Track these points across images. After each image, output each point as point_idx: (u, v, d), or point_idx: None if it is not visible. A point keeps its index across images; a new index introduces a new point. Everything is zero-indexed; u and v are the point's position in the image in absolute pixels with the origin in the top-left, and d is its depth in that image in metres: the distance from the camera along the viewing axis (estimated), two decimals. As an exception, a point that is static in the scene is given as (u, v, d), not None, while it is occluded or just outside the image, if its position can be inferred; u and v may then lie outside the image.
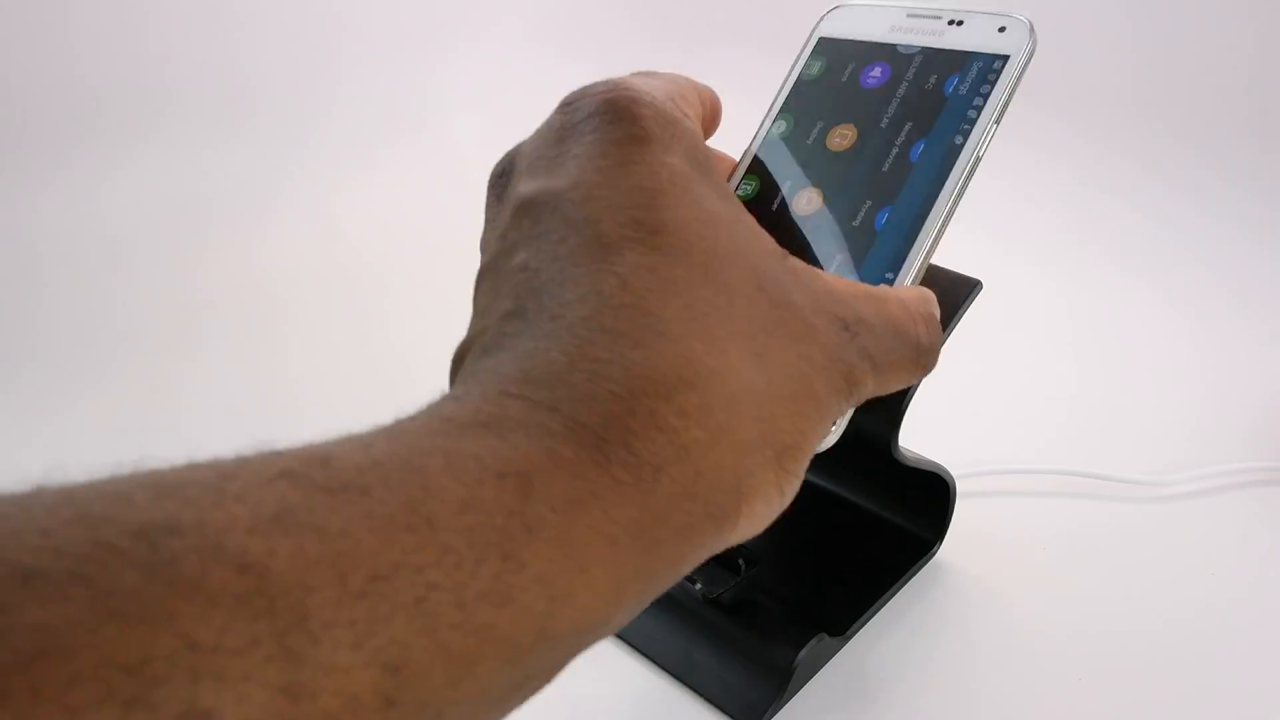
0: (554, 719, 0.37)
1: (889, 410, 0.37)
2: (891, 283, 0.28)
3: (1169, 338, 0.64)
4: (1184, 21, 0.87)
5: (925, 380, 0.34)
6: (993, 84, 0.30)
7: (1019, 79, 0.30)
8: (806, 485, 0.48)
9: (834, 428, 0.26)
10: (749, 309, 0.21)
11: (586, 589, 0.17)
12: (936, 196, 0.29)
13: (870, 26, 0.33)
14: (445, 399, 0.19)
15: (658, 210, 0.21)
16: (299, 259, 0.78)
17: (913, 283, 0.28)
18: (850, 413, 0.27)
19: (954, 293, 0.35)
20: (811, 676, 0.40)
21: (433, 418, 0.18)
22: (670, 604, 0.41)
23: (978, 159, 0.29)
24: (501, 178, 0.25)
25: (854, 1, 0.33)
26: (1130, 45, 0.90)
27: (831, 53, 0.33)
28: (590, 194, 0.21)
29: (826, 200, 0.30)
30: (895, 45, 0.32)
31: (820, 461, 0.33)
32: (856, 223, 0.30)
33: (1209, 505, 0.49)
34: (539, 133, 0.24)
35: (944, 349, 0.34)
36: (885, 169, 0.30)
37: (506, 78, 1.05)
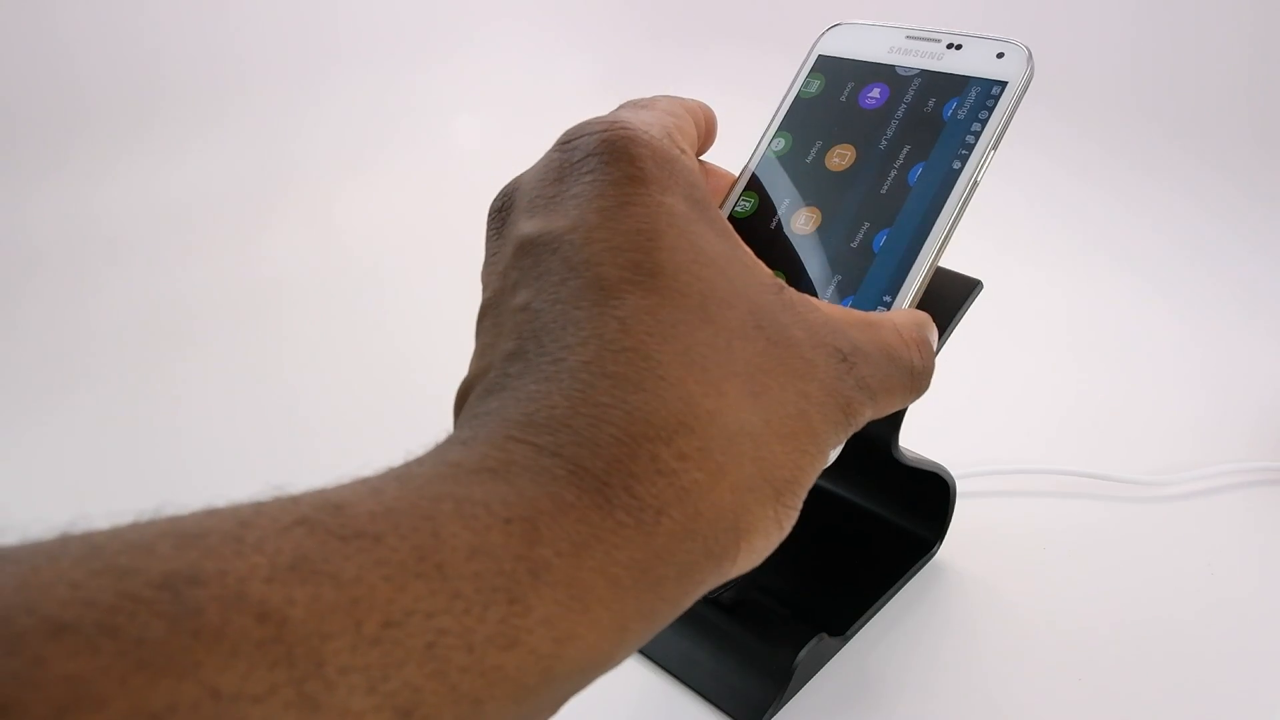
0: (553, 719, 0.37)
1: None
2: (890, 305, 0.29)
3: (1168, 337, 0.64)
4: (1184, 21, 0.87)
5: (925, 380, 0.34)
6: (990, 109, 0.30)
7: (1016, 105, 0.30)
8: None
9: (834, 449, 0.27)
10: (747, 349, 0.21)
11: (590, 629, 0.18)
12: (934, 220, 0.29)
13: (869, 47, 0.33)
14: (452, 443, 0.20)
15: (656, 252, 0.21)
16: (296, 260, 0.78)
17: (910, 305, 0.28)
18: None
19: (954, 293, 0.35)
20: (811, 676, 0.40)
21: (441, 463, 0.19)
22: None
23: (975, 184, 0.29)
24: (501, 212, 0.25)
25: (854, 20, 0.33)
26: (1131, 45, 0.90)
27: (830, 71, 0.33)
28: (590, 236, 0.22)
29: (824, 220, 0.31)
30: (894, 66, 0.32)
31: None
32: (855, 244, 0.30)
33: (1209, 505, 0.49)
34: (538, 169, 0.24)
35: (944, 349, 0.34)
36: (884, 191, 0.30)
37: (504, 77, 1.05)
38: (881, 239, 0.30)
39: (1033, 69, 0.30)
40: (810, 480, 0.22)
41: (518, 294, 0.22)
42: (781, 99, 0.33)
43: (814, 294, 0.30)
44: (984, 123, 0.30)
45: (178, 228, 0.82)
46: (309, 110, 0.98)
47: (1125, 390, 0.59)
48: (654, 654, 0.41)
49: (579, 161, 0.23)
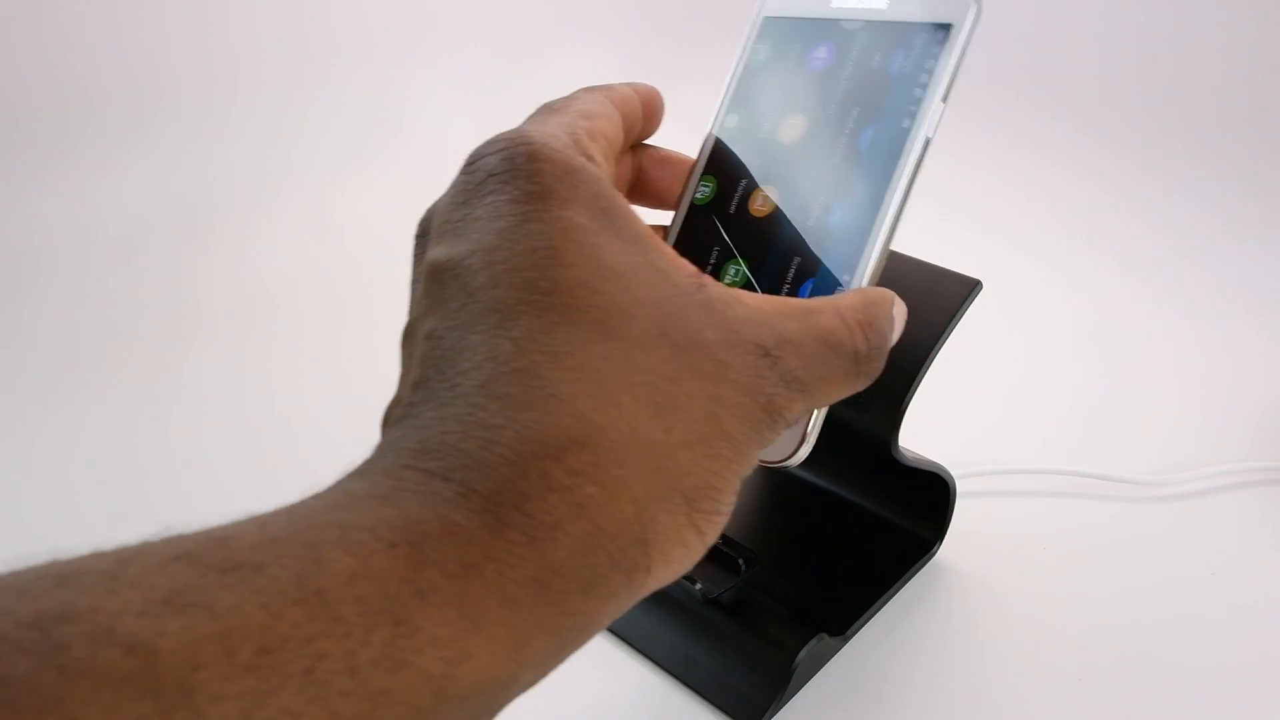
0: (553, 719, 0.38)
1: (889, 410, 0.37)
2: (847, 285, 0.27)
3: (1168, 337, 0.64)
4: (1185, 21, 0.87)
5: (926, 380, 0.34)
6: (937, 58, 0.28)
7: (965, 50, 0.28)
8: (807, 485, 0.49)
9: (804, 443, 0.26)
10: (649, 359, 0.21)
11: (485, 648, 0.18)
12: (886, 188, 0.28)
13: (813, 1, 0.31)
14: (350, 475, 0.20)
15: (552, 269, 0.21)
16: (294, 260, 0.78)
17: (870, 282, 0.27)
18: (820, 422, 0.26)
19: (954, 293, 0.35)
20: (811, 676, 0.40)
21: (334, 492, 0.19)
22: (670, 604, 0.41)
23: (927, 141, 0.28)
24: (421, 238, 0.25)
25: None
26: (1131, 45, 0.90)
27: (777, 34, 0.32)
28: (489, 259, 0.22)
29: (782, 199, 0.30)
30: (839, 21, 0.31)
31: (820, 461, 0.33)
32: (811, 221, 0.29)
33: (1208, 505, 0.49)
34: (448, 193, 0.24)
35: (944, 349, 0.34)
36: (836, 160, 0.29)
37: (504, 77, 1.05)
38: (837, 213, 0.28)
39: (980, 6, 0.28)
40: (730, 484, 0.22)
41: (425, 322, 0.22)
42: (731, 72, 0.32)
43: (777, 280, 0.29)
44: (931, 73, 0.28)
45: (175, 227, 0.82)
46: (307, 110, 0.98)
47: (1125, 390, 0.59)
48: (654, 654, 0.41)
49: (480, 183, 0.23)
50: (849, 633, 0.41)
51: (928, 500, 0.44)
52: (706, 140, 0.32)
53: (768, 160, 0.30)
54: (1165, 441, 0.54)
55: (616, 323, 0.21)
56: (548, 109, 0.26)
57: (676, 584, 0.38)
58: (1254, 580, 0.45)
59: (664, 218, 0.32)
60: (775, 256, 0.29)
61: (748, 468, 0.22)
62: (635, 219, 0.23)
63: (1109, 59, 0.91)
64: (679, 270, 0.23)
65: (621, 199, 0.23)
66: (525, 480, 0.19)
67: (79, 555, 0.16)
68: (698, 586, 0.40)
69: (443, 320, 0.22)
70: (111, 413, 0.59)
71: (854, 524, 0.45)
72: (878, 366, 0.25)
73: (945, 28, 0.28)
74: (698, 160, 0.32)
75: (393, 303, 0.75)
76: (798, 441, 0.26)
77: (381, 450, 0.20)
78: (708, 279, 0.23)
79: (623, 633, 0.41)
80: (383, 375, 0.65)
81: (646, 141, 0.32)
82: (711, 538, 0.22)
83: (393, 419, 0.22)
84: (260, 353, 0.65)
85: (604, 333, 0.21)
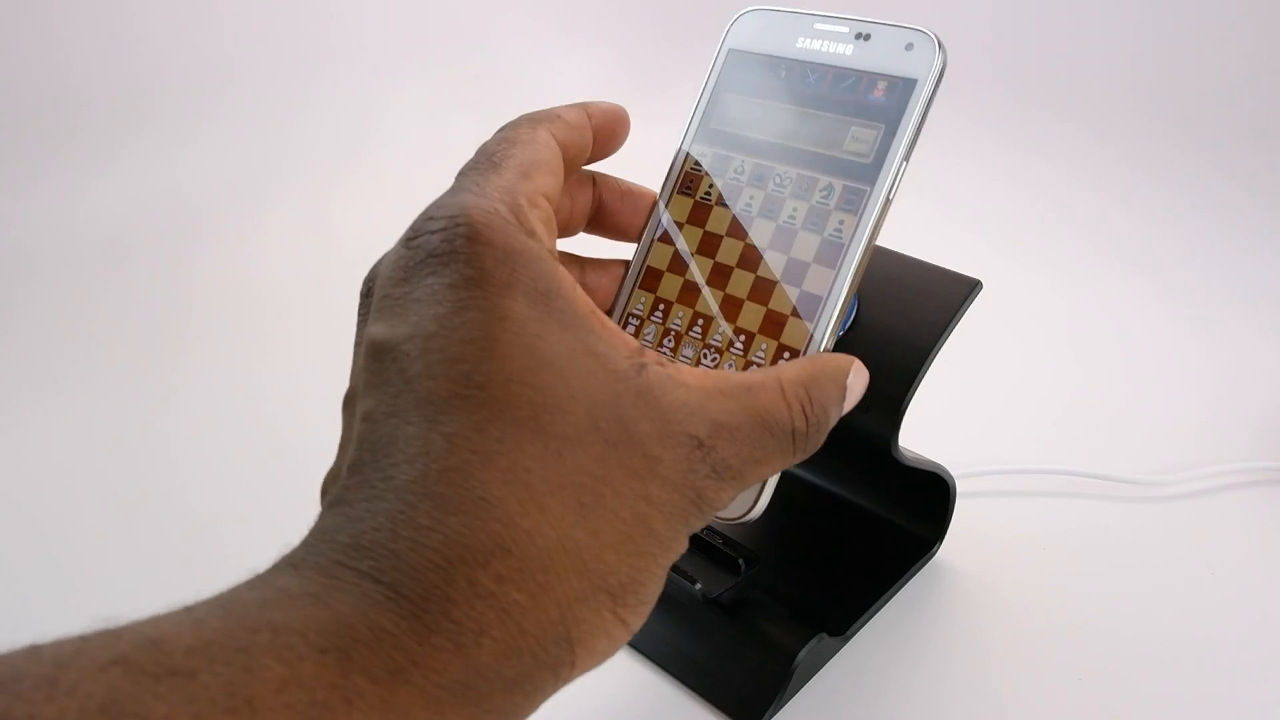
0: (554, 719, 0.37)
1: (889, 410, 0.37)
2: (803, 345, 0.27)
3: (1168, 338, 0.64)
4: (1184, 21, 0.87)
5: (926, 380, 0.34)
6: (900, 115, 0.28)
7: (928, 106, 0.28)
8: (806, 485, 0.48)
9: (759, 500, 0.26)
10: (579, 457, 0.21)
11: None
12: (843, 249, 0.28)
13: (779, 38, 0.31)
14: (286, 565, 0.20)
15: (488, 362, 0.21)
16: (287, 260, 0.78)
17: (827, 341, 0.27)
18: (775, 478, 0.26)
19: (954, 293, 0.35)
20: (811, 676, 0.40)
21: (270, 587, 0.19)
22: (670, 604, 0.41)
23: (888, 202, 0.28)
24: (366, 298, 0.26)
25: (763, 7, 0.32)
26: (1131, 45, 0.90)
27: (742, 70, 0.32)
28: (426, 346, 0.22)
29: (740, 246, 0.30)
30: (803, 63, 0.30)
31: (820, 461, 0.33)
32: (768, 272, 0.29)
33: (1208, 505, 0.49)
34: (389, 263, 0.24)
35: (945, 348, 0.34)
36: (794, 211, 0.29)
37: (503, 77, 1.05)
38: (793, 268, 0.28)
39: (944, 60, 0.28)
40: (656, 576, 0.22)
41: (363, 401, 0.22)
42: (694, 103, 0.32)
43: (730, 334, 0.29)
44: (893, 131, 0.28)
45: (167, 229, 0.82)
46: (302, 109, 0.98)
47: (1125, 390, 0.59)
48: (654, 654, 0.41)
49: (421, 262, 0.23)
50: (849, 633, 0.41)
51: (928, 500, 0.44)
52: (669, 173, 0.32)
53: (728, 207, 0.30)
54: (1165, 441, 0.54)
55: (549, 419, 0.21)
56: (486, 162, 0.26)
57: (677, 584, 0.38)
58: (1254, 580, 0.45)
59: (626, 249, 0.32)
60: (729, 305, 0.29)
61: (675, 556, 0.23)
62: (575, 299, 0.23)
63: (1110, 59, 0.91)
64: (618, 352, 0.23)
65: (562, 277, 0.23)
66: (452, 587, 0.19)
67: (17, 652, 0.17)
68: (698, 586, 0.40)
69: (380, 403, 0.22)
70: (103, 414, 0.59)
71: (854, 524, 0.45)
72: (817, 442, 0.25)
73: (910, 83, 0.28)
74: (660, 194, 0.32)
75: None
76: (753, 499, 0.26)
77: (316, 538, 0.20)
78: (649, 356, 0.23)
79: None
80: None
81: (609, 174, 0.31)
82: (637, 625, 0.22)
83: (329, 496, 0.22)
84: (257, 354, 0.65)
85: (535, 430, 0.21)
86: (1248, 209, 0.78)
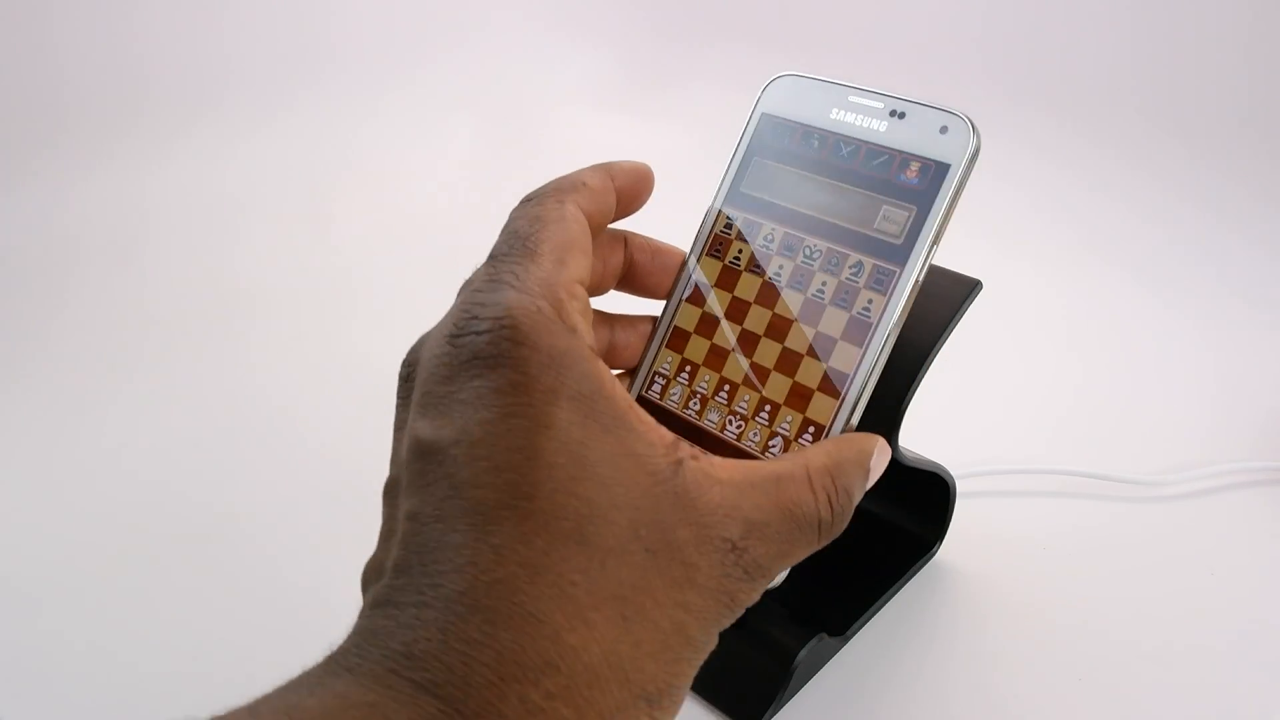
0: None
1: (889, 410, 0.37)
2: (823, 429, 0.28)
3: (1168, 337, 0.64)
4: (1185, 21, 0.87)
5: (926, 380, 0.34)
6: (932, 199, 0.28)
7: (960, 190, 0.28)
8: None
9: (784, 570, 0.26)
10: (621, 569, 0.22)
11: None
12: (871, 329, 0.28)
13: (813, 106, 0.31)
14: (339, 667, 0.21)
15: (534, 471, 0.22)
16: (286, 259, 0.78)
17: (854, 419, 0.28)
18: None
19: (954, 293, 0.35)
20: (811, 676, 0.40)
21: (328, 693, 0.20)
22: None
23: (917, 283, 0.28)
24: (406, 382, 0.26)
25: (798, 74, 0.32)
26: (1131, 45, 0.90)
27: (774, 135, 0.32)
28: (473, 453, 0.22)
29: (770, 322, 0.30)
30: (837, 135, 0.30)
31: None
32: (796, 344, 0.29)
33: (1208, 506, 0.49)
34: (435, 358, 0.24)
35: (945, 349, 0.34)
36: (823, 289, 0.29)
37: (503, 77, 1.05)
38: (821, 341, 0.29)
39: (978, 144, 0.28)
40: (689, 677, 0.23)
41: (409, 498, 0.23)
42: (726, 166, 0.32)
43: (759, 410, 0.29)
44: (925, 216, 0.28)
45: (169, 227, 0.82)
46: (306, 109, 0.98)
47: (1126, 390, 0.59)
48: (654, 654, 0.41)
49: (466, 363, 0.23)
50: (849, 633, 0.41)
51: (928, 500, 0.44)
52: (699, 233, 0.32)
53: (753, 283, 0.31)
54: (1166, 441, 0.54)
55: (593, 530, 0.22)
56: (521, 247, 0.26)
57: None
58: (1255, 580, 0.45)
59: (653, 305, 0.32)
60: (755, 373, 0.29)
61: (706, 655, 0.24)
62: (615, 397, 0.24)
63: (1110, 59, 0.91)
64: (656, 450, 0.24)
65: (603, 375, 0.24)
66: (505, 703, 0.20)
67: None
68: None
69: (425, 505, 0.22)
70: (102, 414, 0.59)
71: (854, 524, 0.44)
72: (841, 528, 0.26)
73: (944, 167, 0.28)
74: (689, 254, 0.32)
75: (387, 306, 0.75)
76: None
77: (367, 641, 0.21)
78: (684, 449, 0.24)
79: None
80: (379, 376, 0.64)
81: (639, 233, 0.32)
82: None
83: (373, 592, 0.23)
84: (256, 356, 0.65)
85: (580, 542, 0.22)
86: (1247, 208, 0.78)
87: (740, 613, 0.24)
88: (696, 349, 0.31)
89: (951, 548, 0.45)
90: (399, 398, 0.26)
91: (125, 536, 0.49)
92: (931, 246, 0.28)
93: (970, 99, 0.93)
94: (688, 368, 0.31)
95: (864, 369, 0.28)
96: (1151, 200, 0.80)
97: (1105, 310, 0.68)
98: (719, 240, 0.32)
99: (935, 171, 0.28)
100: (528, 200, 0.28)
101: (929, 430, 0.42)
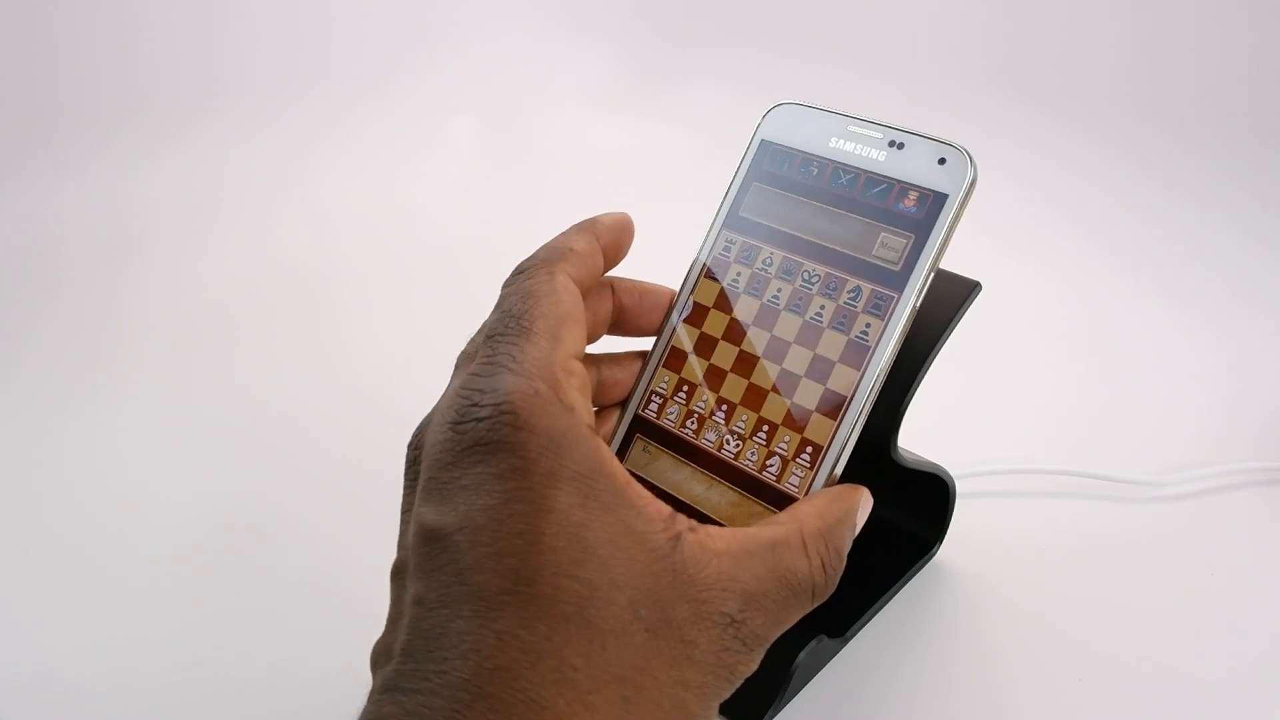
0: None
1: (889, 411, 0.37)
2: (821, 449, 0.28)
3: (1169, 337, 0.64)
4: (1184, 21, 0.87)
5: (926, 381, 0.34)
6: (930, 227, 0.29)
7: (958, 219, 0.28)
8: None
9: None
10: (623, 649, 0.22)
11: None
12: (870, 354, 0.28)
13: (812, 134, 0.32)
14: None
15: (535, 556, 0.22)
16: (287, 260, 0.78)
17: (847, 445, 0.28)
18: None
19: (953, 294, 0.35)
20: (812, 677, 0.40)
21: None
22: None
23: (915, 309, 0.28)
24: (413, 466, 0.27)
25: (798, 102, 0.32)
26: (1131, 44, 0.90)
27: (773, 162, 0.32)
28: (476, 539, 0.23)
29: (768, 344, 0.30)
30: (836, 163, 0.31)
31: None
32: (797, 371, 0.29)
33: (1208, 506, 0.49)
34: (438, 444, 0.25)
35: (944, 350, 0.34)
36: (821, 313, 0.29)
37: (503, 77, 1.05)
38: (819, 371, 0.29)
39: (975, 175, 0.28)
40: None
41: (415, 583, 0.23)
42: (723, 195, 0.33)
43: (757, 430, 0.30)
44: (923, 244, 0.28)
45: (168, 228, 0.82)
46: (305, 108, 0.98)
47: (1125, 390, 0.59)
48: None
49: (468, 449, 0.24)
50: (849, 633, 0.41)
51: (928, 500, 0.44)
52: (697, 256, 0.32)
53: (754, 292, 0.31)
54: (1166, 441, 0.54)
55: (594, 612, 0.22)
56: (516, 326, 0.26)
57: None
58: (1255, 581, 0.45)
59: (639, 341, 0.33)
60: (753, 394, 0.30)
61: None
62: (614, 474, 0.24)
63: (1110, 58, 0.91)
64: (654, 526, 0.24)
65: (602, 454, 0.24)
66: None
67: None
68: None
69: (431, 591, 0.23)
70: (96, 418, 0.59)
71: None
72: (832, 590, 0.27)
73: (941, 197, 0.29)
74: (687, 275, 0.32)
75: (386, 307, 0.75)
76: None
77: None
78: (681, 523, 0.25)
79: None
80: (378, 377, 0.64)
81: (624, 277, 0.32)
82: None
83: (382, 675, 0.23)
84: (255, 356, 0.65)
85: (581, 624, 0.22)
86: (1248, 207, 0.78)
87: (739, 683, 0.25)
88: (694, 369, 0.31)
89: (951, 548, 0.45)
90: (406, 480, 0.27)
91: (115, 538, 0.49)
92: (929, 274, 0.28)
93: (970, 98, 0.93)
94: (685, 387, 0.31)
95: (861, 391, 0.28)
96: (1152, 200, 0.80)
97: (1105, 310, 0.68)
98: (717, 263, 0.32)
99: (934, 201, 0.29)
100: (519, 273, 0.28)
101: (929, 430, 0.42)
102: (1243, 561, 0.46)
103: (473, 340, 0.28)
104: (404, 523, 0.26)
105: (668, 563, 0.24)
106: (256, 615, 0.44)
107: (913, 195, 0.29)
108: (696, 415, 0.31)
